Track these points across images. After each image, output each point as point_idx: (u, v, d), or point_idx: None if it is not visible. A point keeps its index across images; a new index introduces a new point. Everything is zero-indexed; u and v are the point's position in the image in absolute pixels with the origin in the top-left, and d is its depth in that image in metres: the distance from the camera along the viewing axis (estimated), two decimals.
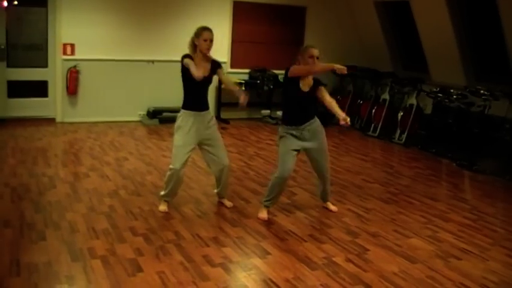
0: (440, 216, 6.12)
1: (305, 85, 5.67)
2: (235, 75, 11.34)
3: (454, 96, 9.38)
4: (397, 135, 10.23)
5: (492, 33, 9.26)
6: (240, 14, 11.50)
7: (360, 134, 10.98)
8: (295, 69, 5.60)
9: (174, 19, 10.92)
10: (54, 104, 10.41)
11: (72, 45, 10.21)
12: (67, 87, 10.27)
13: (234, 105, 11.24)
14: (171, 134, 9.65)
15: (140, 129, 10.24)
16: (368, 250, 5.04)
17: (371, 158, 9.07)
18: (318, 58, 5.64)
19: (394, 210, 6.25)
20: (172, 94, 10.93)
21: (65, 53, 10.20)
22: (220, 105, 11.37)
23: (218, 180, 5.93)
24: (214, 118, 5.84)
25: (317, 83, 5.76)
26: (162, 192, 5.85)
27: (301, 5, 12.02)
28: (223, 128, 10.62)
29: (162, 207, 5.82)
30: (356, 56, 12.37)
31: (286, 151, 5.61)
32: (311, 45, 5.87)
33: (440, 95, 9.66)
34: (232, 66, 11.51)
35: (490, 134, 8.72)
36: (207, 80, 5.62)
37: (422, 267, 4.75)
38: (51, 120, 10.34)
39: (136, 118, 10.85)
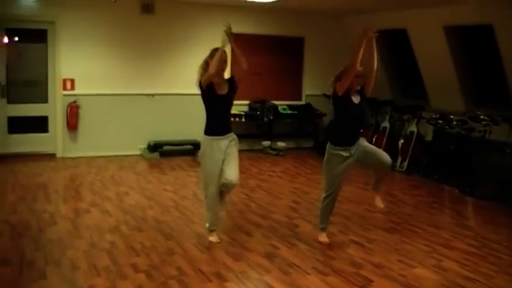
0: (444, 245, 6.07)
1: (355, 96, 5.74)
2: (235, 107, 11.28)
3: (454, 123, 9.38)
4: (398, 163, 10.20)
5: (490, 58, 9.30)
6: (239, 45, 11.47)
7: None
8: (341, 84, 5.61)
9: (174, 52, 10.98)
10: (55, 139, 10.41)
11: (72, 80, 10.25)
12: (67, 122, 10.28)
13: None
14: (173, 168, 9.79)
15: (141, 163, 10.22)
16: (372, 281, 4.99)
17: None
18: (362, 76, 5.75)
19: (398, 239, 6.20)
20: (173, 127, 11.00)
21: (65, 88, 10.23)
22: None
23: (222, 195, 5.91)
24: (236, 138, 5.84)
25: (361, 89, 5.87)
26: (208, 224, 5.92)
27: (299, 36, 12.09)
28: None
29: (213, 238, 5.90)
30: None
31: (335, 174, 5.73)
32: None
33: (441, 121, 9.67)
34: None
35: (491, 159, 8.70)
36: (228, 100, 5.73)
37: None
38: (51, 156, 10.33)
39: (137, 152, 10.84)
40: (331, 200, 5.82)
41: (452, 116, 9.52)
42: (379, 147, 10.55)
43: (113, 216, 6.78)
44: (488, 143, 8.88)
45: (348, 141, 5.67)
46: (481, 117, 8.95)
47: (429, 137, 10.21)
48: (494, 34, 8.78)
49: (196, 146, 10.84)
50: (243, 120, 11.16)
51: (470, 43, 9.88)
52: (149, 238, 6.01)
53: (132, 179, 8.87)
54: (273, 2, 9.47)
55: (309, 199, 7.94)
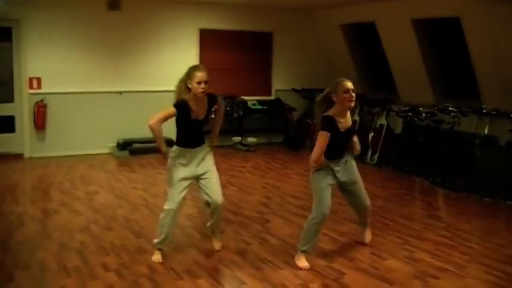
0: (416, 236, 6.10)
1: (345, 119, 5.14)
2: None
3: (423, 115, 9.45)
4: (368, 156, 10.23)
5: (458, 50, 9.36)
6: (207, 41, 11.50)
7: None
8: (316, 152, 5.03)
9: (141, 49, 10.88)
10: (22, 139, 10.25)
11: (39, 79, 10.09)
12: (35, 122, 10.12)
13: (204, 133, 11.28)
14: (142, 166, 9.69)
15: (110, 161, 10.11)
16: (345, 274, 4.98)
17: None
18: (353, 91, 5.09)
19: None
20: (142, 125, 10.78)
21: (31, 87, 10.07)
22: None
23: (211, 215, 5.41)
24: (210, 150, 5.40)
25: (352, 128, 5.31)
26: (156, 240, 5.26)
27: (267, 31, 12.06)
28: None
29: (156, 257, 5.25)
30: (324, 79, 12.31)
31: (323, 187, 5.14)
32: (343, 79, 5.21)
33: (410, 114, 9.73)
34: None
35: (460, 150, 8.77)
36: (204, 121, 5.25)
37: None
38: (19, 156, 10.16)
39: (106, 150, 10.72)
40: (320, 220, 5.13)
41: (421, 109, 9.58)
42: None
43: (82, 216, 6.69)
44: (457, 134, 8.95)
45: (333, 155, 5.15)
46: (450, 109, 9.01)
47: (399, 130, 10.25)
48: (461, 27, 8.85)
49: (165, 142, 10.76)
50: (213, 116, 11.06)
51: (438, 36, 9.94)
52: (119, 237, 5.94)
53: (101, 177, 8.77)
54: None
55: (280, 194, 7.92)
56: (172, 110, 5.06)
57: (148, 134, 10.77)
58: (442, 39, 9.94)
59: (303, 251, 5.20)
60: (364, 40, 11.68)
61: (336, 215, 6.91)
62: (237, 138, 11.56)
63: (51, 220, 6.54)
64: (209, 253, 5.46)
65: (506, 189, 7.89)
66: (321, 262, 5.27)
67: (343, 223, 6.54)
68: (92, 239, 5.86)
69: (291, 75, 12.37)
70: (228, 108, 11.30)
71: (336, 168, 5.21)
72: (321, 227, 5.22)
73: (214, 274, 4.96)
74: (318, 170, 5.15)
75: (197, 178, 5.26)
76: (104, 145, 10.73)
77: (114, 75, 10.73)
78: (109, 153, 10.66)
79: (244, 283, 4.79)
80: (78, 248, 5.56)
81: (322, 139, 4.97)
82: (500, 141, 8.52)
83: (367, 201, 5.57)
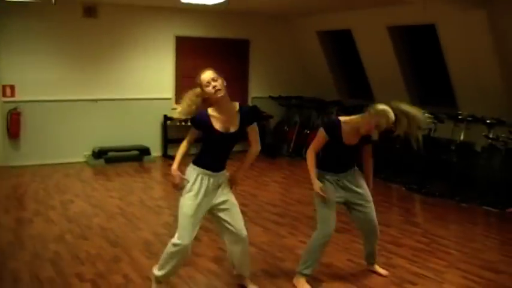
0: (393, 242, 6.09)
1: (354, 139, 4.83)
2: None
3: None
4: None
5: (433, 57, 9.41)
6: (184, 49, 11.45)
7: None
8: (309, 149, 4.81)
9: (117, 56, 10.79)
10: None
11: (12, 87, 9.94)
12: (8, 130, 9.97)
13: (180, 141, 11.21)
14: (118, 174, 9.60)
15: (86, 170, 10.00)
16: (323, 282, 4.96)
17: None
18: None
19: (347, 239, 6.19)
20: (118, 133, 10.82)
21: (4, 95, 9.91)
22: (167, 141, 11.24)
23: (233, 256, 4.64)
24: (227, 177, 4.58)
25: (368, 139, 4.99)
26: (158, 272, 4.48)
27: (244, 38, 12.04)
28: (170, 165, 10.43)
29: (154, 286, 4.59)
30: (301, 86, 12.45)
31: (327, 205, 4.77)
32: (387, 109, 4.63)
33: None
34: (177, 102, 11.37)
35: (437, 156, 8.80)
36: (234, 138, 4.44)
37: None
38: None
39: (82, 159, 10.60)
40: (324, 241, 4.79)
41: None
42: None
43: (57, 225, 6.59)
44: (433, 140, 8.97)
45: (336, 168, 4.83)
46: (426, 115, 9.02)
47: (375, 137, 10.24)
48: (437, 33, 8.91)
49: (142, 151, 10.72)
50: (189, 124, 10.99)
51: (414, 42, 10.00)
52: (94, 246, 5.85)
53: (77, 186, 8.66)
54: (215, 4, 9.38)
55: (257, 202, 7.88)
56: (192, 130, 4.44)
57: (124, 142, 10.65)
58: (418, 46, 10.00)
59: (304, 274, 4.82)
60: (340, 47, 11.71)
61: (314, 221, 6.86)
62: None
63: (24, 230, 6.43)
64: (185, 262, 5.39)
65: (483, 195, 7.94)
66: (299, 267, 5.23)
67: None
68: (67, 248, 5.76)
69: (268, 82, 12.36)
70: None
71: (342, 183, 4.85)
72: (324, 248, 4.87)
73: (190, 283, 4.91)
74: (320, 181, 4.75)
75: (213, 208, 4.45)
76: (80, 154, 10.60)
77: (90, 83, 10.62)
78: (85, 162, 10.53)
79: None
80: (52, 258, 5.46)
81: (318, 137, 4.74)
82: (476, 147, 8.57)
83: (375, 223, 5.04)
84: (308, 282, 4.81)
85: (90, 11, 10.42)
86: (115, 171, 9.82)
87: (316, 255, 4.81)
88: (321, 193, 4.65)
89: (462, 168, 8.38)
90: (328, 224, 4.76)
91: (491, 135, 8.22)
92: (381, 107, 4.62)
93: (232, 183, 4.59)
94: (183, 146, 4.50)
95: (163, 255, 4.42)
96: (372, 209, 4.99)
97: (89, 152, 10.59)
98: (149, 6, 10.75)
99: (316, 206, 4.84)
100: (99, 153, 10.42)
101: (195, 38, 11.48)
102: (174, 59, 11.41)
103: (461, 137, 8.67)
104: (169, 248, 4.37)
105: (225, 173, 4.53)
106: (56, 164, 10.20)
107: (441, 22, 8.74)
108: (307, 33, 11.92)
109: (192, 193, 4.32)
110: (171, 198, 8.25)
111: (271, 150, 11.47)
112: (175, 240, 4.33)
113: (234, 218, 4.49)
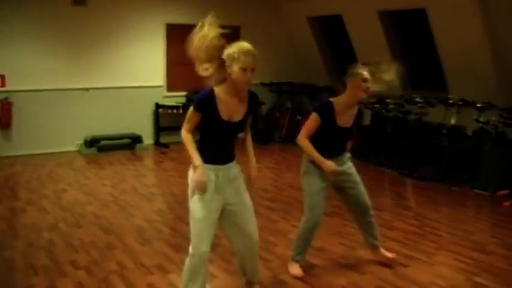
0: (385, 225, 6.13)
1: (347, 118, 4.76)
2: (172, 99, 11.24)
3: (391, 106, 9.51)
4: None
5: (424, 41, 9.43)
6: (174, 36, 11.41)
7: (301, 150, 10.96)
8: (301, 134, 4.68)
9: (108, 45, 10.75)
10: None
11: (2, 76, 9.89)
12: (0, 120, 9.95)
13: (172, 128, 11.23)
14: (111, 163, 9.60)
15: (78, 159, 9.99)
16: (315, 265, 5.00)
17: None
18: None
19: (339, 223, 6.24)
20: (110, 121, 10.81)
21: None
22: (159, 129, 11.24)
23: (242, 260, 4.17)
24: (240, 171, 4.02)
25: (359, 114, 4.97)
26: None
27: (234, 25, 12.01)
28: (162, 153, 10.51)
29: None
30: (293, 72, 12.44)
31: (316, 191, 4.67)
32: (360, 67, 4.68)
33: (378, 105, 9.77)
34: (169, 90, 11.40)
35: (428, 140, 8.85)
36: (240, 126, 3.88)
37: (370, 278, 4.75)
38: None
39: (74, 148, 10.59)
40: (312, 227, 4.72)
41: (388, 100, 9.63)
42: None
43: (50, 214, 6.60)
44: (424, 124, 9.02)
45: (328, 151, 4.65)
46: (417, 99, 9.08)
47: (367, 121, 10.30)
48: (427, 18, 8.92)
49: (134, 139, 10.72)
50: (181, 111, 11.03)
51: (404, 27, 10.01)
52: (88, 234, 5.87)
53: (69, 175, 8.66)
54: None
55: (248, 187, 7.89)
56: (195, 115, 3.77)
57: (116, 131, 10.60)
58: (408, 30, 10.01)
59: (296, 260, 4.83)
60: (331, 32, 11.71)
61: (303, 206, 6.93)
62: None
63: (18, 219, 6.44)
64: (179, 247, 5.42)
65: (474, 178, 7.99)
66: (291, 253, 5.27)
67: None
68: (61, 237, 5.78)
69: (259, 68, 12.30)
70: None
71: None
72: (312, 235, 4.79)
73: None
74: (310, 170, 4.66)
75: (224, 207, 3.89)
76: (72, 143, 10.59)
77: (81, 72, 10.58)
78: (77, 151, 10.52)
79: (215, 276, 4.77)
80: (46, 247, 5.48)
81: (310, 121, 4.61)
82: (467, 131, 8.62)
83: (368, 202, 4.95)
84: (301, 266, 4.84)
85: None
86: (107, 160, 9.82)
87: (306, 242, 4.79)
88: (337, 170, 4.55)
89: (453, 152, 8.43)
90: (315, 212, 4.68)
91: (481, 119, 8.27)
92: (351, 70, 4.68)
93: (253, 183, 4.13)
94: (189, 138, 3.77)
95: (186, 274, 3.85)
96: (360, 190, 4.90)
97: (81, 141, 10.58)
98: None
99: (304, 192, 4.74)
100: (92, 142, 10.42)
101: (186, 25, 11.23)
102: (165, 47, 11.39)
103: (453, 121, 8.72)
104: (186, 264, 3.86)
105: (236, 165, 3.96)
106: (48, 154, 10.19)
107: (432, 6, 8.75)
108: (297, 18, 11.91)
109: (207, 195, 3.75)
110: (163, 186, 8.29)
111: (263, 137, 11.48)
112: (191, 251, 3.83)
113: (245, 218, 3.94)
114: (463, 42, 8.59)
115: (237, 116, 3.78)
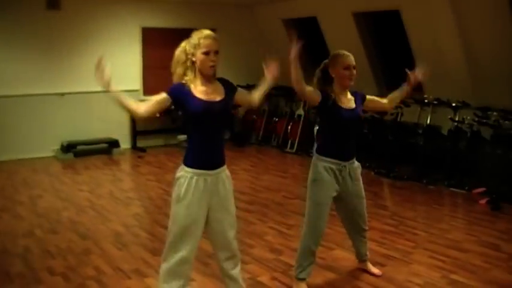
0: None
1: (346, 98, 4.48)
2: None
3: None
4: (314, 149, 10.28)
5: (399, 42, 9.49)
6: (150, 40, 11.39)
7: (278, 151, 11.02)
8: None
9: (82, 49, 10.65)
10: None
11: None
12: None
13: (149, 132, 11.20)
14: (87, 168, 9.54)
15: (54, 164, 9.91)
16: (292, 266, 4.99)
17: (290, 174, 9.12)
18: (355, 68, 4.43)
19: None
20: (86, 126, 10.74)
21: None
22: (136, 133, 11.20)
23: (225, 275, 3.93)
24: (230, 178, 3.79)
25: (362, 96, 4.66)
26: None
27: (210, 28, 11.93)
28: (139, 157, 10.47)
29: None
30: None
31: (323, 202, 4.37)
32: (343, 52, 4.47)
33: None
34: (145, 93, 11.35)
35: (404, 140, 8.92)
36: (223, 108, 3.68)
37: (347, 278, 4.78)
38: None
39: (50, 153, 10.49)
40: (316, 239, 4.43)
41: (364, 109, 9.65)
42: (295, 135, 10.76)
43: (25, 220, 6.53)
44: (400, 124, 9.08)
45: (339, 151, 4.42)
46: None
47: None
48: (401, 19, 8.99)
49: (111, 143, 10.66)
50: (157, 115, 10.97)
51: (379, 28, 10.08)
52: (65, 240, 5.82)
53: (45, 181, 8.59)
54: None
55: None
56: (161, 96, 3.70)
57: (92, 135, 10.55)
58: (383, 31, 10.08)
59: (300, 278, 4.48)
60: (306, 34, 11.74)
61: (283, 207, 6.95)
62: (183, 137, 11.46)
63: None
64: (156, 251, 5.39)
65: (450, 177, 8.06)
66: (269, 255, 5.29)
67: (290, 216, 6.58)
68: (36, 243, 5.73)
69: (235, 71, 12.28)
70: (172, 107, 11.20)
71: (342, 174, 4.42)
72: (317, 248, 4.50)
73: None
74: (319, 178, 4.36)
75: (208, 214, 3.68)
76: (48, 148, 10.49)
77: (56, 77, 10.49)
78: (53, 156, 10.43)
79: (192, 279, 4.74)
80: (22, 253, 5.42)
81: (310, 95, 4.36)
82: (443, 130, 8.70)
83: (363, 224, 4.81)
84: (277, 266, 4.85)
85: (53, 3, 10.26)
86: (84, 165, 9.75)
87: (310, 257, 4.45)
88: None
89: (429, 151, 8.51)
90: (320, 223, 4.39)
91: (456, 118, 8.35)
92: (330, 60, 4.54)
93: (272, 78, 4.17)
94: (135, 103, 3.76)
95: (163, 280, 3.71)
96: (363, 205, 4.72)
97: (58, 147, 10.49)
98: None
99: (309, 201, 4.41)
100: (68, 147, 10.34)
101: (162, 28, 11.42)
102: (141, 51, 11.35)
103: (428, 121, 8.78)
104: (161, 272, 3.73)
105: (226, 171, 3.73)
106: (23, 160, 10.08)
107: (405, 7, 8.82)
108: (272, 20, 11.93)
109: (186, 201, 3.55)
110: (140, 190, 8.25)
111: (239, 139, 11.49)
112: (166, 257, 3.69)
113: (225, 228, 3.75)
114: (436, 43, 8.66)
115: (216, 97, 3.63)
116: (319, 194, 4.36)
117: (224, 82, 3.78)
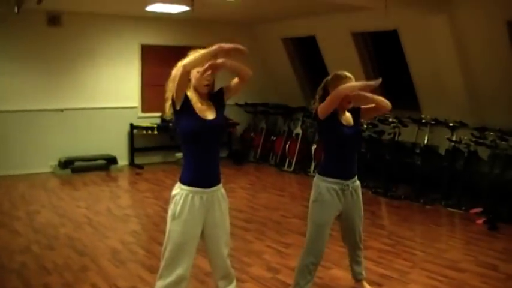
0: None
1: (345, 116, 4.46)
2: (147, 120, 11.22)
3: (365, 126, 9.58)
4: (312, 168, 10.33)
5: (397, 62, 9.54)
6: (149, 57, 11.44)
7: (276, 170, 11.02)
8: (323, 108, 4.30)
9: (82, 65, 10.72)
10: None
11: None
12: None
13: (148, 149, 11.21)
14: (85, 184, 9.53)
15: (52, 180, 9.91)
16: (290, 285, 4.98)
17: (288, 193, 9.13)
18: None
19: None
20: (84, 142, 10.75)
21: None
22: (134, 150, 11.20)
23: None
24: (225, 196, 3.77)
25: (356, 110, 4.60)
26: None
27: (209, 46, 12.04)
28: (137, 174, 10.47)
29: None
30: (267, 92, 12.49)
31: (325, 222, 4.36)
32: (343, 72, 4.43)
33: None
34: (143, 111, 11.39)
35: (402, 159, 8.94)
36: (218, 128, 3.74)
37: None
38: None
39: (48, 169, 10.50)
40: (316, 260, 4.40)
41: (362, 120, 9.68)
42: (293, 154, 10.77)
43: (23, 236, 6.52)
44: (398, 144, 9.11)
45: (341, 170, 4.40)
46: (390, 119, 9.17)
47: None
48: (399, 39, 9.05)
49: (109, 160, 10.66)
50: (156, 132, 11.06)
51: (378, 48, 10.13)
52: (62, 256, 5.81)
53: (43, 197, 8.58)
54: (180, 13, 9.46)
55: None
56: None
57: (90, 152, 10.51)
58: (381, 51, 10.13)
59: None
60: (305, 53, 11.81)
61: (281, 226, 6.95)
62: (180, 154, 11.47)
63: None
64: (153, 269, 5.38)
65: (447, 196, 8.08)
66: (266, 274, 5.28)
67: (287, 235, 6.56)
68: (33, 259, 5.71)
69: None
70: (171, 125, 11.23)
71: (344, 193, 4.42)
72: (316, 270, 4.45)
73: None
74: (321, 199, 4.33)
75: (203, 229, 3.67)
76: (46, 164, 10.50)
77: (55, 93, 10.53)
78: (51, 172, 10.44)
79: None
80: (18, 269, 5.40)
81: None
82: (440, 150, 8.73)
83: (358, 242, 4.77)
84: (274, 285, 4.84)
85: (54, 20, 10.34)
86: (82, 181, 9.75)
87: (308, 278, 4.39)
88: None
89: (426, 171, 8.53)
90: (320, 243, 4.37)
91: (454, 138, 8.38)
92: (331, 79, 4.46)
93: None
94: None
95: None
96: (361, 223, 4.73)
97: (55, 162, 10.50)
98: (114, 14, 10.72)
99: (310, 221, 4.39)
100: (66, 163, 10.34)
101: (161, 46, 11.47)
102: (140, 68, 11.40)
103: (425, 141, 8.81)
104: None
105: (222, 189, 3.73)
106: (21, 175, 10.07)
107: (403, 27, 8.89)
108: (271, 40, 11.99)
109: (182, 219, 3.54)
110: (138, 207, 8.24)
111: (237, 157, 11.51)
112: (162, 276, 3.66)
113: (218, 246, 3.71)
114: (434, 63, 8.71)
115: (210, 115, 3.66)
116: (320, 215, 4.35)
117: (213, 98, 3.81)
